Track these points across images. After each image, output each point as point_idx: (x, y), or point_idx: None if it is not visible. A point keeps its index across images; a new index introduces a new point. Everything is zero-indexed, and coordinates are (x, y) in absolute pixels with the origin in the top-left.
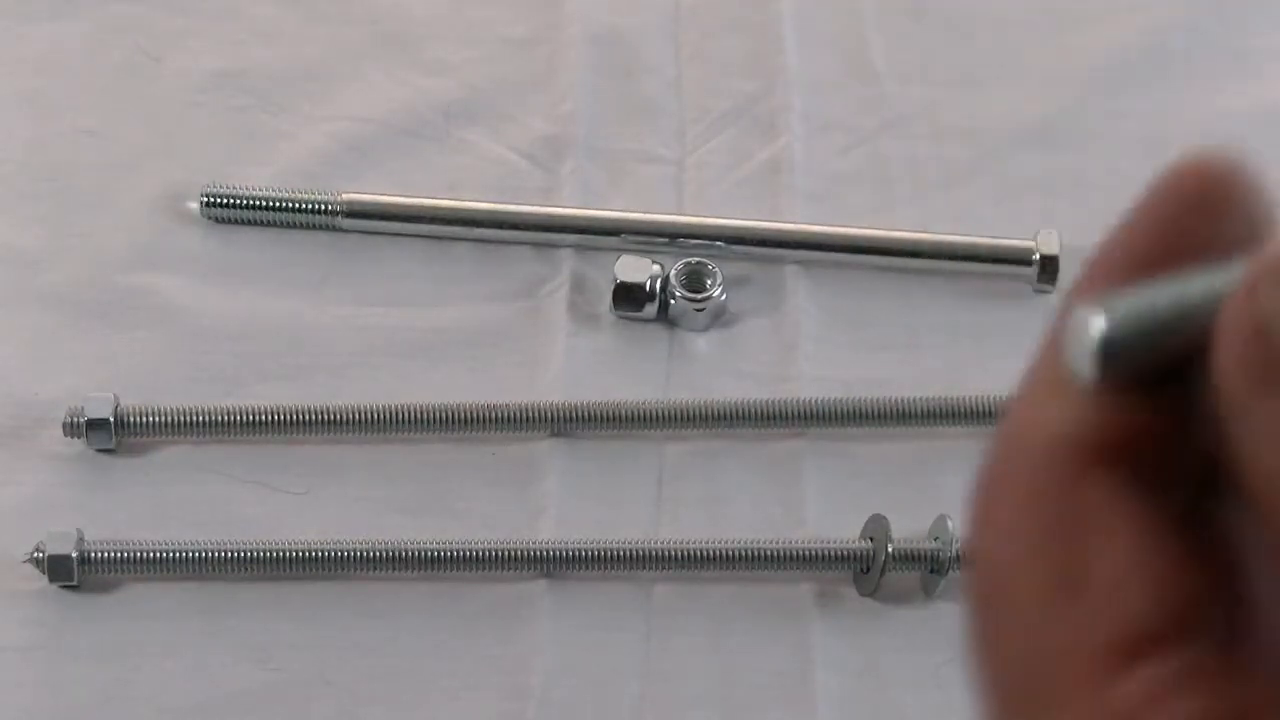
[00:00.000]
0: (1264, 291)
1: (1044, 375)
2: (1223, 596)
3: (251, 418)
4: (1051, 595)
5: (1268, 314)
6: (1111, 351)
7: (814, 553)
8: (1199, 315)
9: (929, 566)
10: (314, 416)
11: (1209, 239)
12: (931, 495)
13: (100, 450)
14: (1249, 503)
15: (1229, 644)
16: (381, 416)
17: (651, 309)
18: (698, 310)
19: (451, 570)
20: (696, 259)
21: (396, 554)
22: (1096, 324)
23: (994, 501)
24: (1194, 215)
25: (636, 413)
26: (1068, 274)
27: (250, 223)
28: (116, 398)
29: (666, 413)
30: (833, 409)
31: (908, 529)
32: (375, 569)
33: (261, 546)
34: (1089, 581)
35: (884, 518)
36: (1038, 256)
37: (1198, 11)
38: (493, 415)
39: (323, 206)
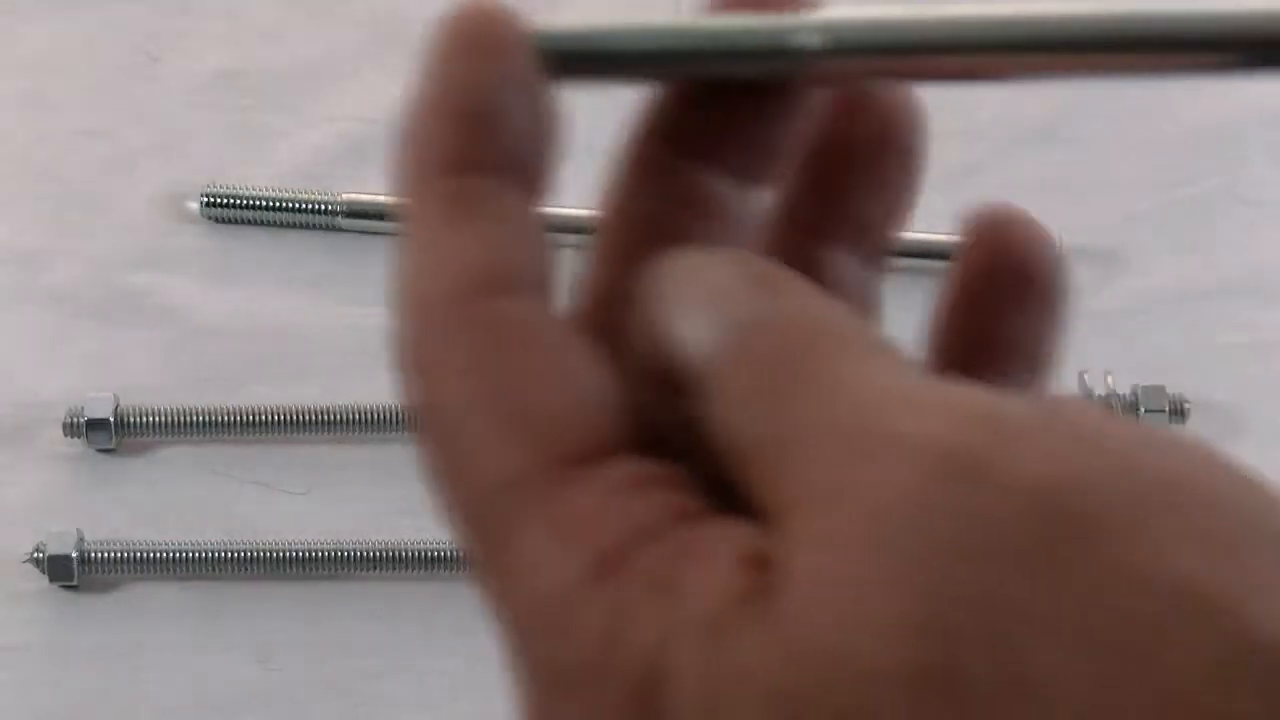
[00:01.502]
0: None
1: (430, 237)
2: (667, 414)
3: (251, 418)
4: (493, 424)
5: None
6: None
7: None
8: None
9: None
10: (314, 416)
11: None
12: None
13: (100, 450)
14: None
15: (680, 459)
16: (381, 416)
17: None
18: None
19: (451, 570)
20: None
21: (396, 554)
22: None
23: (421, 345)
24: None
25: None
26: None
27: (250, 223)
28: (116, 398)
29: None
30: None
31: None
32: (375, 569)
33: (261, 546)
34: (527, 405)
35: None
36: None
37: None
38: None
39: (323, 206)
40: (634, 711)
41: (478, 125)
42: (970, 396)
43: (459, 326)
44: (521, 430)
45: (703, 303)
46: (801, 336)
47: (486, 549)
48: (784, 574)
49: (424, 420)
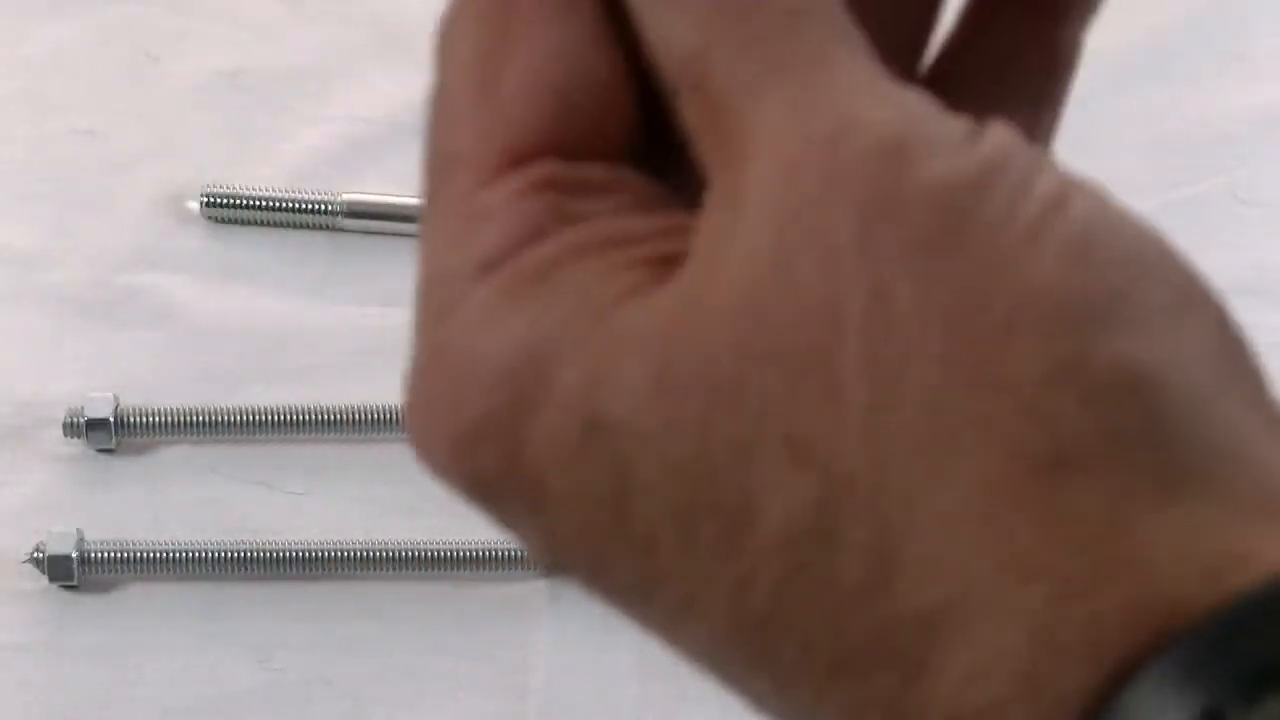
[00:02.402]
0: None
1: None
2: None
3: (251, 418)
4: (465, 102)
5: None
6: None
7: None
8: None
9: None
10: (314, 416)
11: None
12: None
13: (100, 450)
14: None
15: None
16: (381, 416)
17: None
18: None
19: (451, 570)
20: None
21: (396, 554)
22: None
23: (443, 26)
24: None
25: None
26: None
27: (250, 223)
28: (116, 398)
29: None
30: None
31: None
32: (375, 569)
33: (261, 546)
34: (501, 87)
35: None
36: None
37: (1198, 11)
38: None
39: (323, 206)
40: (505, 398)
41: None
42: (919, 102)
43: (476, 9)
44: (483, 113)
45: None
46: (787, 16)
47: (423, 215)
48: (691, 248)
49: (431, 97)
